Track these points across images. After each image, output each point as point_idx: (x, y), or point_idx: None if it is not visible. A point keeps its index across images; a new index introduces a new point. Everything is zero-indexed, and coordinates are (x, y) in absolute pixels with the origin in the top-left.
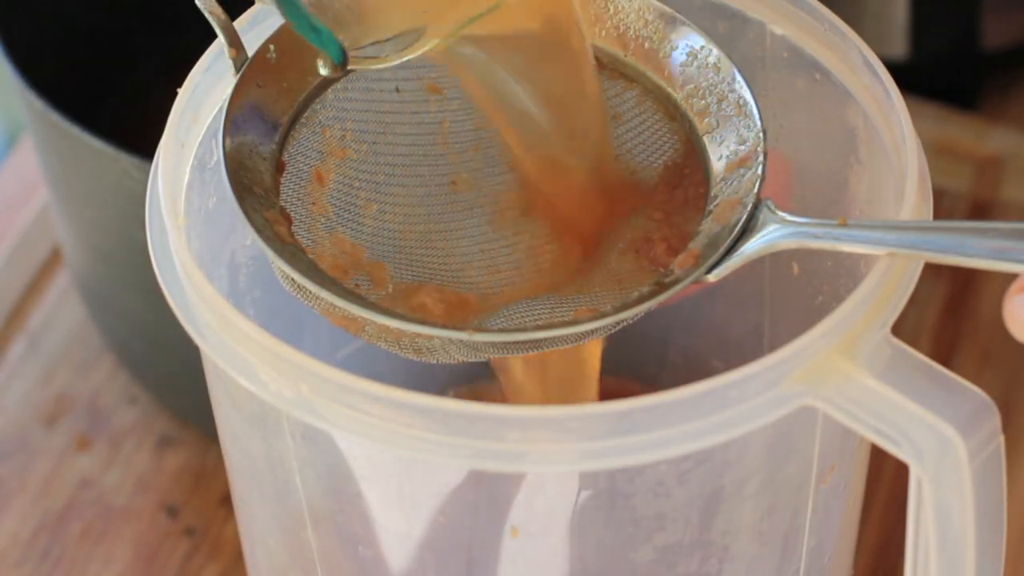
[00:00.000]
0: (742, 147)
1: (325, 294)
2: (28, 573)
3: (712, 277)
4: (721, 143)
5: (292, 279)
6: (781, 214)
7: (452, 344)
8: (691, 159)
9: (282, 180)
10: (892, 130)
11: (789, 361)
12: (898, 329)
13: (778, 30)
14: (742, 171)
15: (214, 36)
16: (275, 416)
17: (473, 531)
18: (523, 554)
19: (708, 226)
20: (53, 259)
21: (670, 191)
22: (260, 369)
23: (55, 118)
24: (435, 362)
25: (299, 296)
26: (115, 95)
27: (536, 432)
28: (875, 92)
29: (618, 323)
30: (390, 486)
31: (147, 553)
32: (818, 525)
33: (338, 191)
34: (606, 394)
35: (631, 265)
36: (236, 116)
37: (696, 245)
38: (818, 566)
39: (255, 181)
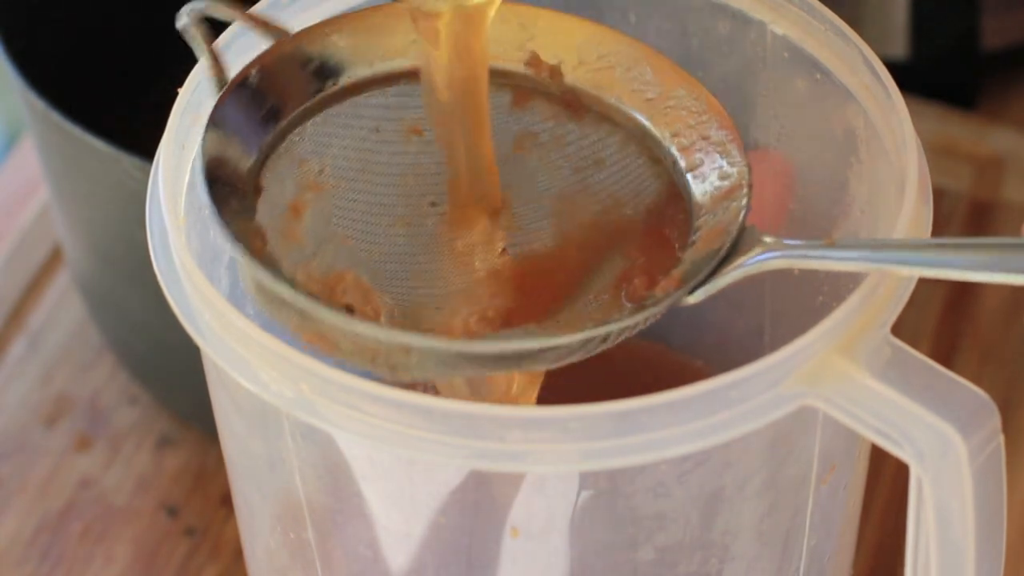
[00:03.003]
0: (726, 181)
1: (301, 300)
2: (28, 573)
3: (692, 299)
4: (705, 180)
5: (265, 289)
6: (766, 238)
7: (430, 359)
8: (675, 199)
9: (258, 204)
10: (892, 130)
11: (789, 361)
12: (898, 329)
13: (779, 30)
14: (726, 203)
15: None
16: (275, 416)
17: (473, 531)
18: (523, 554)
19: (691, 255)
20: (53, 259)
21: (653, 231)
22: (260, 369)
23: (55, 118)
24: (409, 380)
25: (270, 311)
26: (116, 95)
27: (536, 432)
28: (875, 92)
29: (603, 340)
30: (390, 486)
31: (147, 553)
32: (818, 525)
33: (314, 224)
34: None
35: (611, 300)
36: (215, 135)
37: (679, 271)
38: (818, 566)
39: (232, 195)
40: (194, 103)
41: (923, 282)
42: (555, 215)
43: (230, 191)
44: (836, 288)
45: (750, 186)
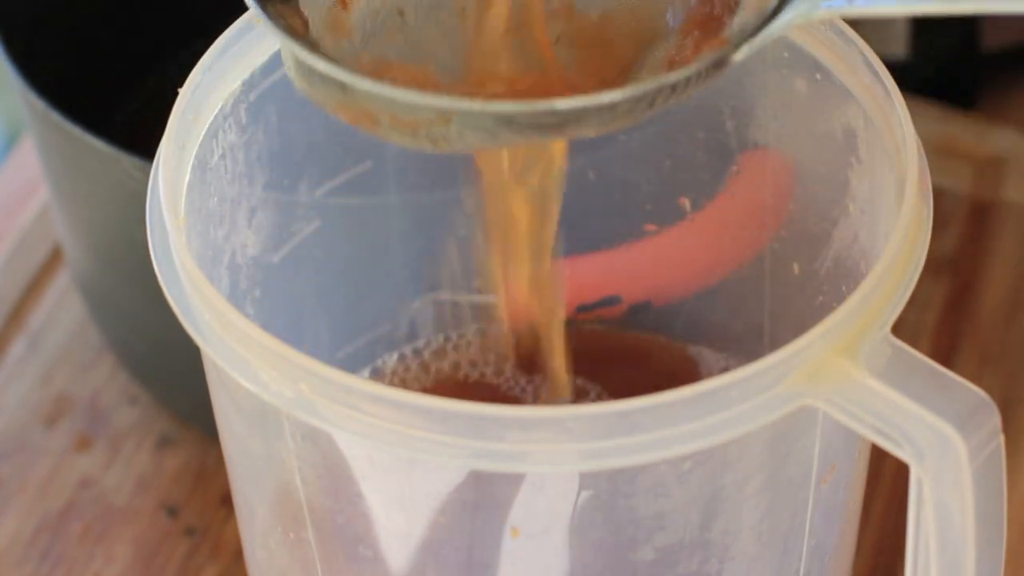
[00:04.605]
0: None
1: (337, 72)
2: (28, 573)
3: (739, 55)
4: None
5: (305, 67)
6: None
7: (470, 127)
8: None
9: None
10: (892, 130)
11: (789, 361)
12: (898, 329)
13: None
14: None
15: (215, 36)
16: (275, 416)
17: (473, 531)
18: (523, 554)
19: (741, 18)
20: (53, 259)
21: (704, 9)
22: (260, 369)
23: (55, 118)
24: (450, 151)
25: (308, 90)
26: (116, 95)
27: (536, 432)
28: (875, 92)
29: (650, 102)
30: (390, 486)
31: (147, 553)
32: (818, 525)
33: (362, 18)
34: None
35: (661, 69)
36: None
37: (726, 32)
38: (818, 566)
39: None
40: (195, 103)
41: (923, 281)
42: (607, 2)
43: None
44: (836, 288)
45: None
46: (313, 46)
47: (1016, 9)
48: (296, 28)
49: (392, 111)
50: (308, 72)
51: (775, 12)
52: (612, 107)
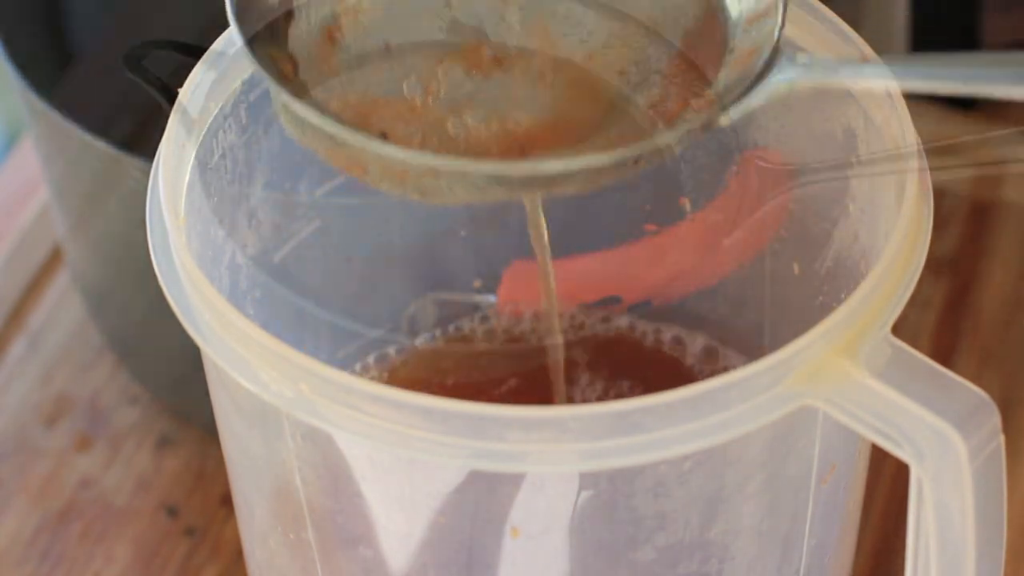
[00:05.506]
0: (761, 3)
1: (329, 124)
2: (28, 573)
3: (725, 119)
4: (741, 0)
5: (294, 113)
6: (800, 57)
7: (459, 182)
8: (711, 22)
9: (290, 29)
10: (892, 130)
11: (789, 361)
12: (898, 329)
13: None
14: (761, 23)
15: (215, 36)
16: (275, 416)
17: (473, 531)
18: (523, 554)
19: (725, 76)
20: (53, 259)
21: (689, 56)
22: (260, 369)
23: (56, 118)
24: (440, 203)
25: (299, 136)
26: (116, 95)
27: (536, 432)
28: (875, 92)
29: (635, 161)
30: (390, 486)
31: (147, 553)
32: (818, 525)
33: (349, 52)
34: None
35: (645, 124)
36: None
37: (712, 91)
38: (818, 566)
39: (261, 21)
40: (194, 103)
41: (923, 281)
42: (592, 43)
43: (259, 17)
44: (836, 288)
45: (785, 4)
46: (302, 90)
47: (996, 95)
48: (286, 73)
49: (381, 161)
50: (299, 120)
51: (760, 75)
52: (599, 168)
